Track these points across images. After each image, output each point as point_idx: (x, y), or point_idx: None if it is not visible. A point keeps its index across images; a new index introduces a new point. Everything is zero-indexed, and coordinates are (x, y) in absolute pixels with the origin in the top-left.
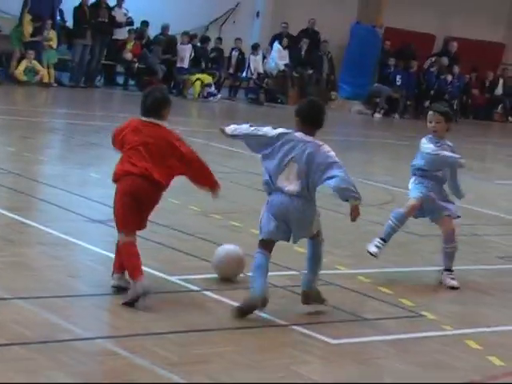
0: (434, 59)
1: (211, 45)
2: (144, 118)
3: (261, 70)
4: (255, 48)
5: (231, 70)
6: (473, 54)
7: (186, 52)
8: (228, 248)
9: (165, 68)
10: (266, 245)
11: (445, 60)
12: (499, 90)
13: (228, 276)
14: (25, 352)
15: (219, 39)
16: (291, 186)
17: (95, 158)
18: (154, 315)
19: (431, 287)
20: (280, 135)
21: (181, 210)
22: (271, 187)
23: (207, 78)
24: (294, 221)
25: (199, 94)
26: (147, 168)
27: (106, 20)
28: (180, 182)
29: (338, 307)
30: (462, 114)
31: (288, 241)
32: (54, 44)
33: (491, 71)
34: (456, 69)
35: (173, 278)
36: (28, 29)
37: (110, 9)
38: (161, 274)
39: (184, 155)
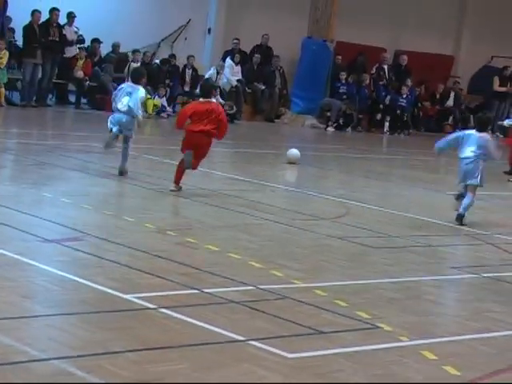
0: (377, 66)
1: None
2: (202, 99)
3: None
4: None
5: (187, 88)
6: (423, 67)
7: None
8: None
9: (117, 86)
10: None
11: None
12: (450, 102)
13: None
14: None
15: (173, 56)
16: None
17: (48, 177)
18: (110, 334)
19: (387, 299)
20: None
21: (135, 227)
22: None
23: (156, 102)
24: None
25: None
26: (207, 127)
27: (57, 39)
28: (134, 201)
29: (295, 321)
30: (413, 127)
31: None
32: (3, 63)
33: (441, 83)
34: (409, 82)
35: (128, 297)
36: None
37: (61, 27)
38: (116, 293)
39: (221, 119)
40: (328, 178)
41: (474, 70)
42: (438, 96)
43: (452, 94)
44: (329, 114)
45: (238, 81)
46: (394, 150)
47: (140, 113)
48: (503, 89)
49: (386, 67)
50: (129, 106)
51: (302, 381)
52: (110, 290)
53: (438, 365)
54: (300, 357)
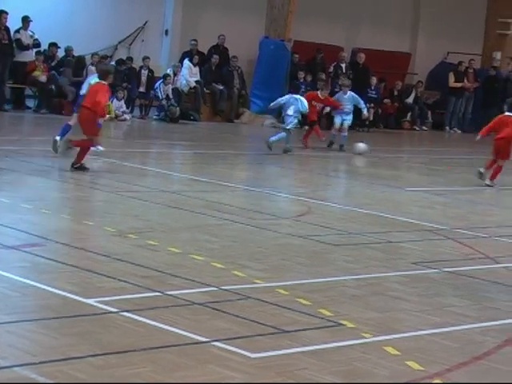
0: (334, 64)
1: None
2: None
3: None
4: (165, 77)
5: (142, 89)
6: (381, 65)
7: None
8: None
9: (75, 90)
10: None
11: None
12: (410, 99)
13: None
14: None
15: (130, 58)
16: None
17: (6, 183)
18: (71, 339)
19: (349, 296)
20: None
21: (95, 231)
22: None
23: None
24: None
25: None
26: None
27: (7, 42)
28: (94, 205)
29: (258, 321)
30: (373, 124)
31: None
32: None
33: (399, 80)
34: (374, 80)
35: (89, 301)
36: None
37: (9, 30)
38: (77, 298)
39: None
40: (288, 177)
41: (431, 67)
42: (396, 93)
43: (414, 91)
44: None
45: (196, 82)
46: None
47: None
48: (458, 84)
49: (343, 65)
50: None
51: (266, 380)
52: (70, 295)
53: (401, 360)
54: (263, 356)
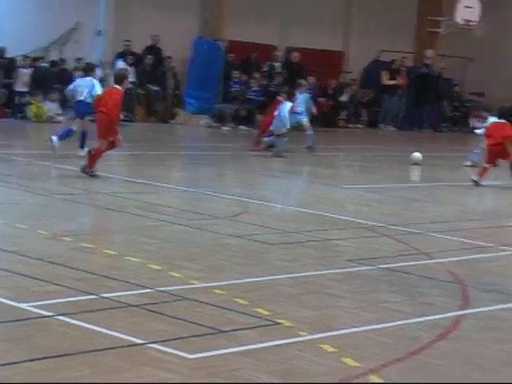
0: (269, 63)
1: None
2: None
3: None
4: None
5: None
6: (314, 63)
7: (26, 75)
8: None
9: (6, 91)
10: None
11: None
12: (345, 98)
13: None
14: None
15: (62, 60)
16: None
17: None
18: (8, 344)
19: (286, 295)
20: None
21: (28, 234)
22: None
23: (42, 108)
24: None
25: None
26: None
27: None
28: (27, 208)
29: (195, 321)
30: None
31: None
32: None
33: (333, 79)
34: (311, 80)
35: (23, 305)
36: None
37: None
38: (11, 302)
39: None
40: (225, 177)
41: (364, 65)
42: (330, 92)
43: (348, 90)
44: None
45: (131, 83)
46: (291, 147)
47: None
48: (391, 82)
49: (277, 64)
50: None
51: (202, 381)
52: (4, 300)
53: (338, 357)
54: (200, 357)
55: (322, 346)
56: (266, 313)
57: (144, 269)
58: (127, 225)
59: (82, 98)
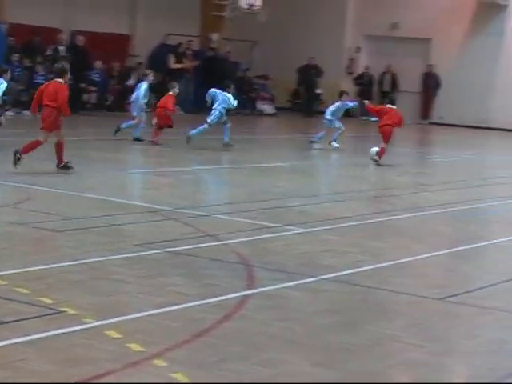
0: (53, 47)
1: None
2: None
3: None
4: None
5: None
6: (100, 47)
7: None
8: None
9: None
10: None
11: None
12: (132, 81)
13: None
14: None
15: None
16: None
17: None
18: None
19: (71, 282)
20: None
21: None
22: None
23: None
24: None
25: None
26: None
27: None
28: None
29: None
30: (98, 107)
31: None
32: None
33: (119, 62)
34: (98, 64)
35: None
36: None
37: None
38: None
39: None
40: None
41: (151, 48)
42: (116, 75)
43: (135, 74)
44: (5, 98)
45: None
46: (81, 132)
47: None
48: (178, 66)
49: (62, 48)
50: None
51: None
52: None
53: (123, 343)
54: None
55: (107, 332)
56: (49, 301)
57: None
58: None
59: None
